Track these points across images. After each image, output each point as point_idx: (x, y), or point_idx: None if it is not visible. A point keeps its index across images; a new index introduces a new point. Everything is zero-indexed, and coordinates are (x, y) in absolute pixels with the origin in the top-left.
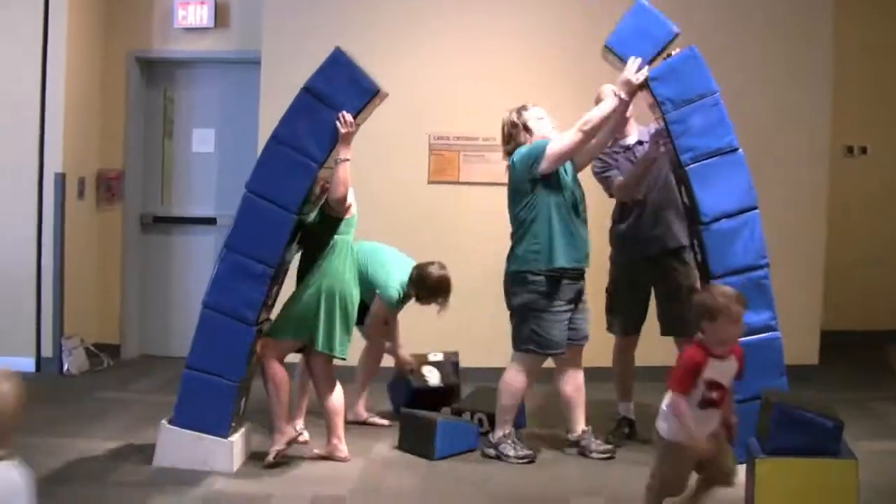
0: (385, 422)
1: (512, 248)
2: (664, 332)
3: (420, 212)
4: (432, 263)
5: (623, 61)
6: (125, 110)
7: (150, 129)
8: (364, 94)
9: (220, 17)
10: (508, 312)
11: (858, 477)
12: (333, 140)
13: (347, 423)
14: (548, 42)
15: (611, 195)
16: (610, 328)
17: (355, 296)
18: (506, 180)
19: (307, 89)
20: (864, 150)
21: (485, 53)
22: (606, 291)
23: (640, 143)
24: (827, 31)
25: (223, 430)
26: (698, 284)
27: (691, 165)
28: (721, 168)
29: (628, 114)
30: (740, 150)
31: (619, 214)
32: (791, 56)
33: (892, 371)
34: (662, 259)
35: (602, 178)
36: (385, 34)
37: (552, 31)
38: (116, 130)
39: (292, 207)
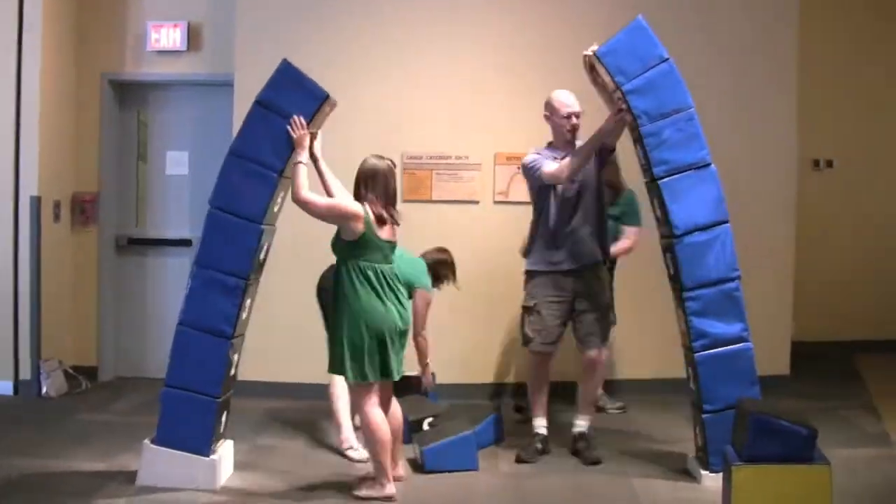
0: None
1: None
2: None
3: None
4: (437, 249)
5: (609, 72)
6: (99, 133)
7: (124, 151)
8: (313, 101)
9: (193, 40)
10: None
11: (832, 482)
12: (290, 148)
13: None
14: (522, 59)
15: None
16: None
17: (394, 316)
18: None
19: (259, 102)
20: (829, 164)
21: (457, 73)
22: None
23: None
24: (791, 45)
25: (205, 448)
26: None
27: (664, 179)
28: (694, 182)
29: None
30: (713, 165)
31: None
32: (756, 70)
33: (861, 380)
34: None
35: (530, 169)
36: (357, 56)
37: (527, 48)
38: (91, 153)
39: (257, 218)
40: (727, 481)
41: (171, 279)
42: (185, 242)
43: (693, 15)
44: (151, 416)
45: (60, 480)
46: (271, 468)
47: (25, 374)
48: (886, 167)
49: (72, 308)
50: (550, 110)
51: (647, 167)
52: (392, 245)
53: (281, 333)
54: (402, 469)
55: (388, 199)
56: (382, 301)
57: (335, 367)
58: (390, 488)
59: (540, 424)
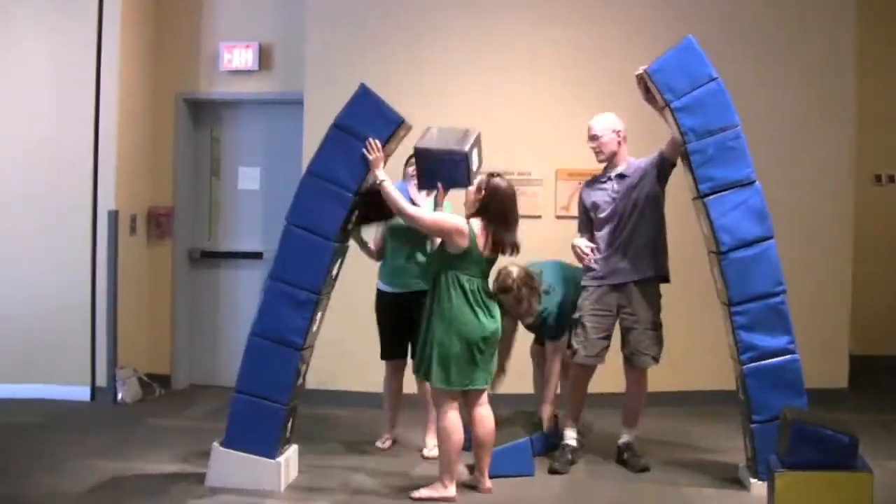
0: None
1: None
2: None
3: None
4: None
5: (658, 89)
6: (174, 150)
7: (197, 167)
8: (389, 125)
9: (265, 60)
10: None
11: (873, 489)
12: (364, 170)
13: None
14: (582, 75)
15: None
16: None
17: (486, 326)
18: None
19: (337, 125)
20: (891, 179)
21: (519, 91)
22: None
23: (622, 175)
24: (851, 61)
25: (271, 452)
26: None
27: (710, 196)
28: (739, 199)
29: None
30: (757, 182)
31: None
32: (816, 86)
33: None
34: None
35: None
36: (425, 78)
37: (585, 63)
38: (165, 169)
39: (331, 236)
40: (770, 488)
41: (243, 291)
42: (257, 255)
43: (749, 27)
44: (222, 423)
45: (135, 480)
46: (334, 472)
47: (102, 381)
48: None
49: (147, 318)
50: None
51: (693, 184)
52: (491, 261)
53: (350, 344)
54: (489, 481)
55: (506, 221)
56: (475, 312)
57: (422, 370)
58: (452, 489)
59: (571, 436)
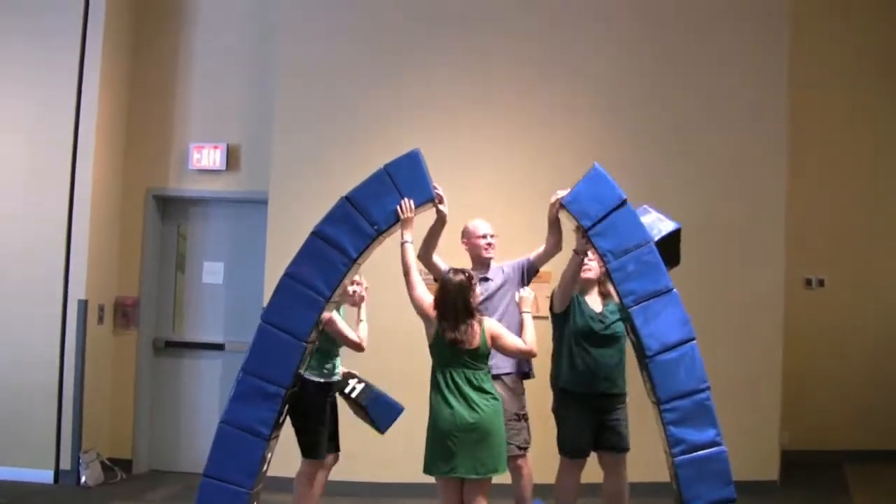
0: None
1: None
2: None
3: None
4: None
5: (575, 217)
6: (142, 243)
7: (164, 260)
8: (365, 238)
9: (232, 160)
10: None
11: None
12: (338, 279)
13: None
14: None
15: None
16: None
17: (461, 416)
18: None
19: (315, 233)
20: (821, 283)
21: (497, 198)
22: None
23: (485, 279)
24: (782, 165)
25: None
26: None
27: (633, 307)
28: (659, 307)
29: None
30: (675, 290)
31: None
32: (748, 192)
33: (847, 492)
34: None
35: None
36: None
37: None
38: (133, 261)
39: (302, 336)
40: None
41: (205, 380)
42: (219, 346)
43: (684, 128)
44: None
45: None
46: None
47: (66, 464)
48: (876, 285)
49: (110, 404)
50: (467, 236)
51: (619, 298)
52: (475, 353)
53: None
54: None
55: (453, 317)
56: (448, 402)
57: None
58: None
59: None
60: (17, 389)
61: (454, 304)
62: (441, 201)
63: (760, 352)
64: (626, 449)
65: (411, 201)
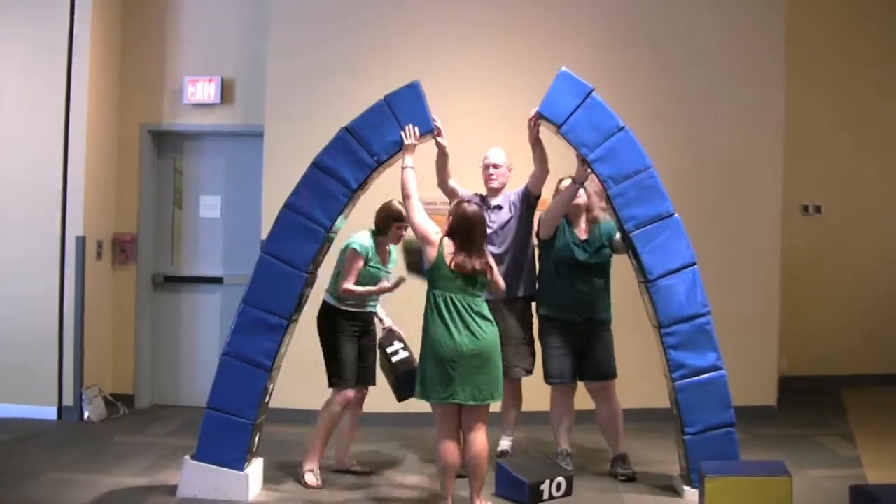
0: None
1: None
2: None
3: None
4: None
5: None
6: (138, 178)
7: (161, 195)
8: (365, 169)
9: (227, 93)
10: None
11: (792, 493)
12: (339, 210)
13: (335, 471)
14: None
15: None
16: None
17: (460, 343)
18: None
19: (315, 164)
20: (818, 209)
21: (491, 120)
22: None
23: (498, 206)
24: (779, 94)
25: (240, 464)
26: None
27: (634, 232)
28: (661, 231)
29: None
30: (676, 215)
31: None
32: (744, 118)
33: (844, 411)
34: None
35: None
36: None
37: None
38: (130, 197)
39: (303, 267)
40: (701, 493)
41: (204, 313)
42: (217, 280)
43: (681, 62)
44: (186, 439)
45: (108, 493)
46: (295, 484)
47: (68, 400)
48: (872, 212)
49: (111, 340)
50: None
51: (619, 224)
52: (474, 280)
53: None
54: (483, 502)
55: (468, 246)
56: (448, 329)
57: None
58: None
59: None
60: (18, 327)
61: (472, 232)
62: (440, 134)
63: (758, 279)
64: (608, 376)
65: (416, 128)
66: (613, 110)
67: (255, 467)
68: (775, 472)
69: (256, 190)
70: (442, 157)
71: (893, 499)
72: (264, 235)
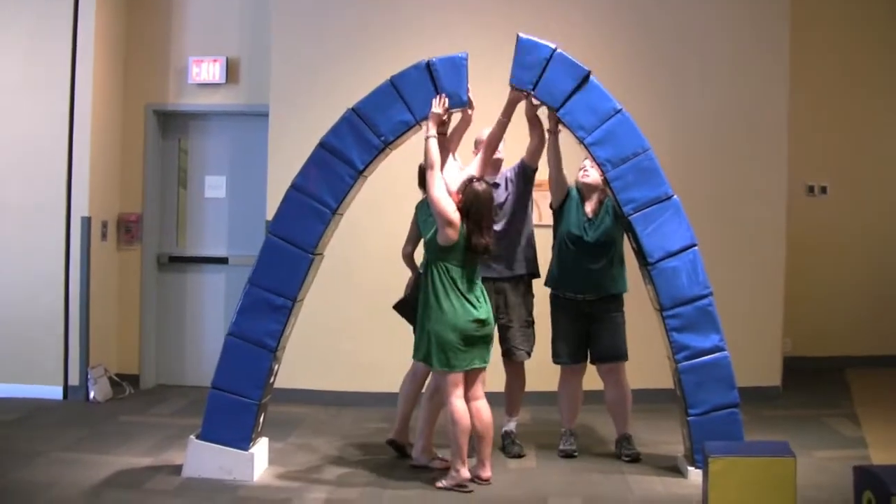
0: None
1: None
2: None
3: None
4: None
5: (570, 129)
6: (143, 159)
7: (165, 176)
8: (371, 150)
9: (231, 73)
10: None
11: (796, 473)
12: (345, 191)
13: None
14: None
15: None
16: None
17: (474, 312)
18: None
19: (322, 145)
20: (823, 190)
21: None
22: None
23: (496, 184)
24: (783, 72)
25: (245, 444)
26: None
27: (633, 215)
28: (660, 214)
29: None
30: (675, 196)
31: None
32: (749, 98)
33: (848, 391)
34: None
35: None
36: None
37: None
38: (135, 177)
39: (309, 248)
40: (705, 473)
41: (209, 294)
42: (222, 260)
43: (684, 43)
44: (191, 419)
45: (114, 472)
46: (300, 463)
47: (74, 380)
48: (878, 192)
49: (116, 320)
50: None
51: (618, 207)
52: (481, 255)
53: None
54: (489, 471)
55: (480, 225)
56: (461, 301)
57: (421, 355)
58: (465, 472)
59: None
60: (25, 308)
61: (483, 211)
62: (472, 107)
63: (763, 259)
64: (617, 358)
65: (447, 99)
66: (610, 93)
67: (261, 447)
68: (779, 453)
69: (261, 170)
70: (464, 124)
71: None
72: (269, 216)
